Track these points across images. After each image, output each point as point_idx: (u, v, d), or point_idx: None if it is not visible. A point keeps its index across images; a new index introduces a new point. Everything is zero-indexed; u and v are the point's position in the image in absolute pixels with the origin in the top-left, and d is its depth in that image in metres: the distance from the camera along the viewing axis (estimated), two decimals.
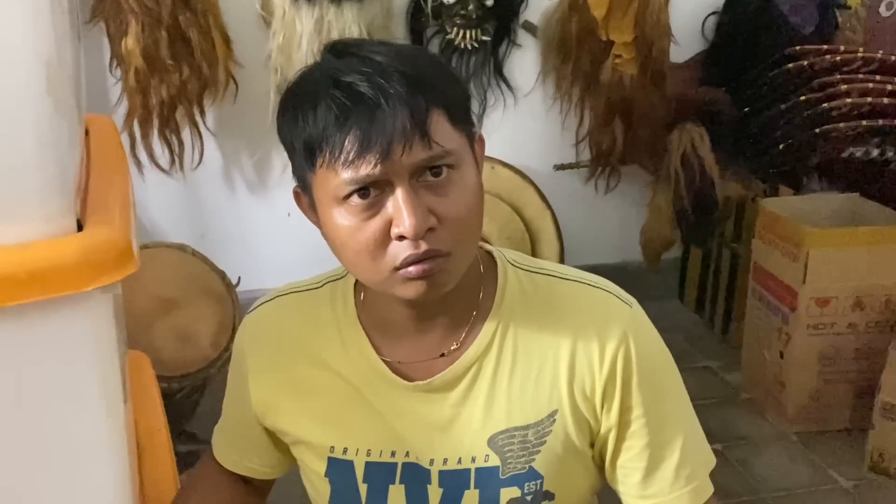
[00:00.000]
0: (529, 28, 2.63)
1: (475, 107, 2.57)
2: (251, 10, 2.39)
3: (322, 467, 0.92)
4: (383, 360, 0.89)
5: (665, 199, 2.64)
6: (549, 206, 2.59)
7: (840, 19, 2.66)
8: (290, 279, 0.99)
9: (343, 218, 0.78)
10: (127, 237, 0.75)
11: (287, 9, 2.25)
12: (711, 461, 0.93)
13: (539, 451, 0.87)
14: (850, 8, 2.67)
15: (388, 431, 0.89)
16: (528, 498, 0.88)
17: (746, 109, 2.55)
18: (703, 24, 2.71)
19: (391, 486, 0.90)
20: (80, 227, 0.75)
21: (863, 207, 2.36)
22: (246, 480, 1.02)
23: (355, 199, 0.77)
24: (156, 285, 1.99)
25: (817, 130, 2.29)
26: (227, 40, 2.32)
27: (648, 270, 2.77)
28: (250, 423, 0.97)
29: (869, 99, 2.27)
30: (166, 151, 2.36)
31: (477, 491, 0.88)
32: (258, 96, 2.38)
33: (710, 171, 2.54)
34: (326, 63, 0.80)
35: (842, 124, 2.28)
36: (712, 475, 0.92)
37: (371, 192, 0.76)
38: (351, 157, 0.75)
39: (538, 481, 0.88)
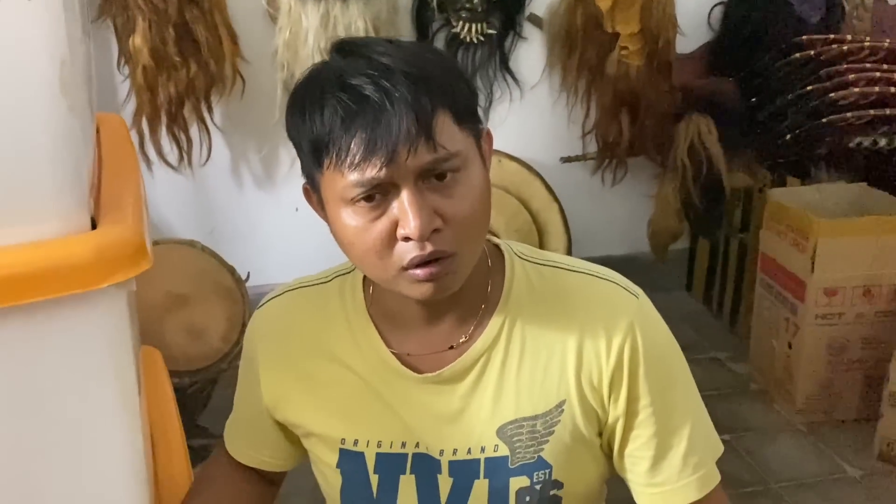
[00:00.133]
0: (535, 21, 2.62)
1: (481, 100, 2.57)
2: (257, 6, 2.40)
3: (333, 459, 0.93)
4: (393, 353, 0.90)
5: (672, 190, 2.64)
6: (556, 199, 2.60)
7: (847, 8, 2.64)
8: (299, 274, 1.00)
9: (350, 218, 0.79)
10: (140, 234, 0.76)
11: (293, 4, 2.26)
12: (719, 449, 0.93)
13: (548, 441, 0.88)
14: None
15: (399, 423, 0.90)
16: (537, 487, 0.89)
17: (753, 100, 2.53)
18: (710, 14, 2.70)
19: (402, 477, 0.91)
20: (94, 226, 0.76)
21: (871, 197, 2.36)
22: (258, 473, 1.03)
23: (361, 202, 0.78)
24: (167, 281, 2.01)
25: (825, 120, 2.28)
26: (233, 36, 2.33)
27: (656, 262, 2.77)
28: (262, 417, 0.98)
29: (876, 88, 2.25)
30: (174, 148, 2.38)
31: (486, 480, 0.89)
32: (265, 92, 2.39)
33: (717, 162, 2.53)
34: (333, 63, 0.80)
35: (849, 114, 2.27)
36: (721, 466, 0.93)
37: (377, 195, 0.77)
38: (356, 160, 0.75)
39: (547, 470, 0.89)
